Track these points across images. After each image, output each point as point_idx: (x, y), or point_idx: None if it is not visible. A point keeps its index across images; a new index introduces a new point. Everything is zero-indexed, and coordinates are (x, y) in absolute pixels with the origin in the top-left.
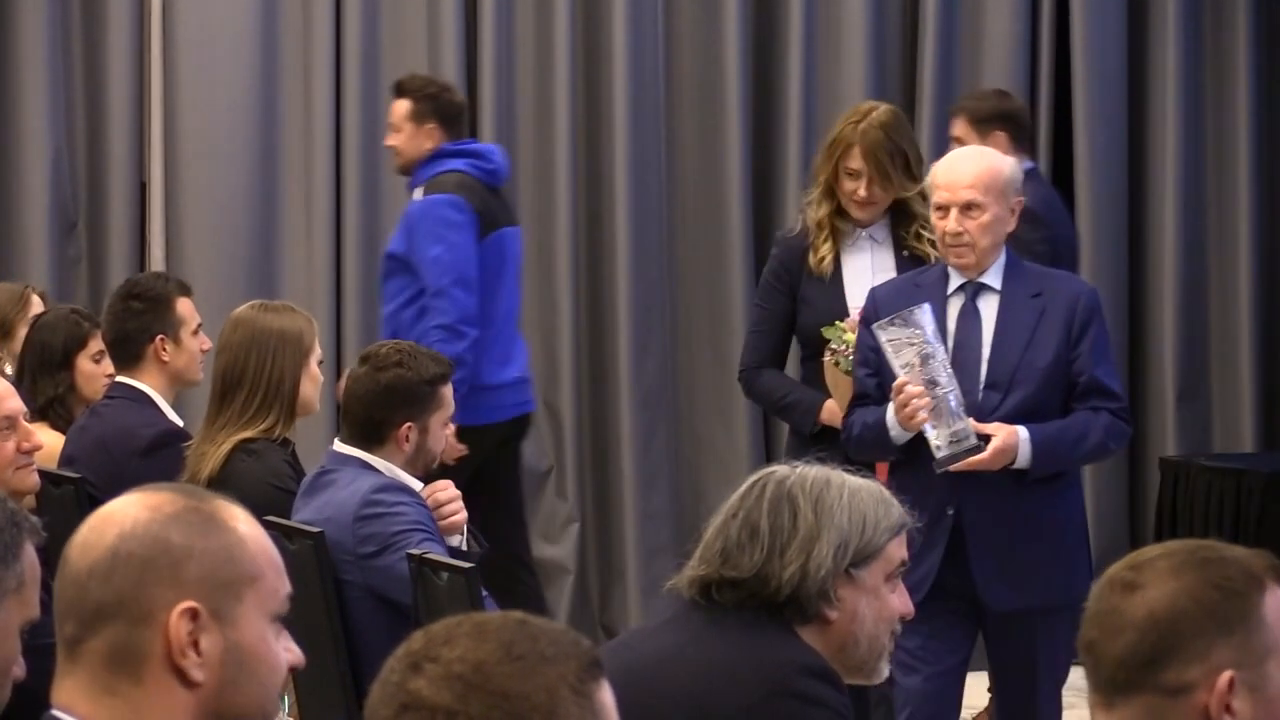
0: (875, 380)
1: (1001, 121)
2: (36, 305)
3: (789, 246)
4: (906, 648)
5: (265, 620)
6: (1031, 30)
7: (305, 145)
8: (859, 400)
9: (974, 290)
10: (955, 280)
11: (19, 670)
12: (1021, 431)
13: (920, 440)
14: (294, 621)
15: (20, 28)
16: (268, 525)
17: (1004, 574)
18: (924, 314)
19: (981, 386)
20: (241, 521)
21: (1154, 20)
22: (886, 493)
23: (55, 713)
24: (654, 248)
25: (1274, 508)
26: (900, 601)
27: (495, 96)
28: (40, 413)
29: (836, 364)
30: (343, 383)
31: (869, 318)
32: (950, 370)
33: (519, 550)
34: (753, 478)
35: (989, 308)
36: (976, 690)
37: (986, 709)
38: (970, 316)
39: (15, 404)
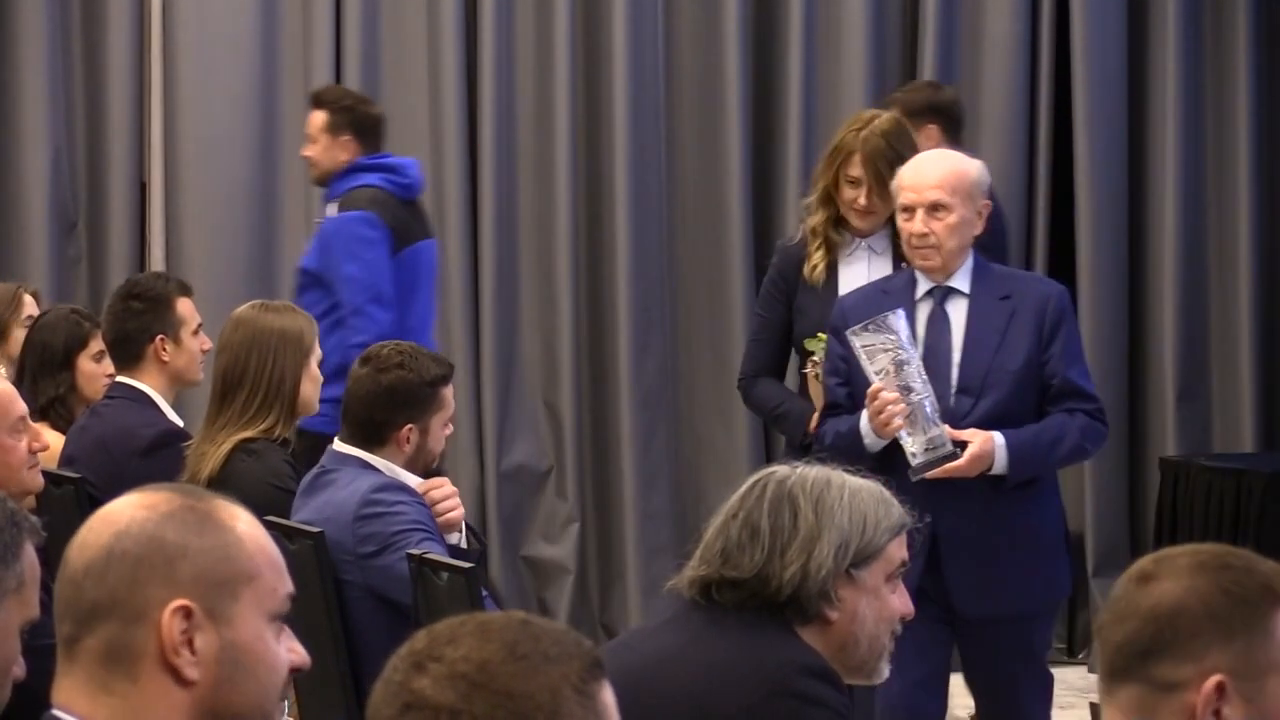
0: (846, 389)
1: (934, 114)
2: (30, 306)
3: (787, 255)
4: None
5: (263, 619)
6: (1031, 30)
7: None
8: (830, 409)
9: (942, 295)
10: (923, 285)
11: (19, 670)
12: (998, 437)
13: (894, 448)
14: (294, 621)
15: (20, 28)
16: (268, 525)
17: (979, 581)
18: (898, 320)
19: (953, 391)
20: (240, 521)
21: (1154, 20)
22: (887, 493)
23: (55, 712)
24: (654, 248)
25: (1274, 508)
26: (900, 602)
27: (495, 96)
28: (41, 413)
29: (817, 376)
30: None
31: (837, 327)
32: (925, 376)
33: None
34: (753, 478)
35: (958, 312)
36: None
37: None
38: (939, 321)
39: (23, 405)
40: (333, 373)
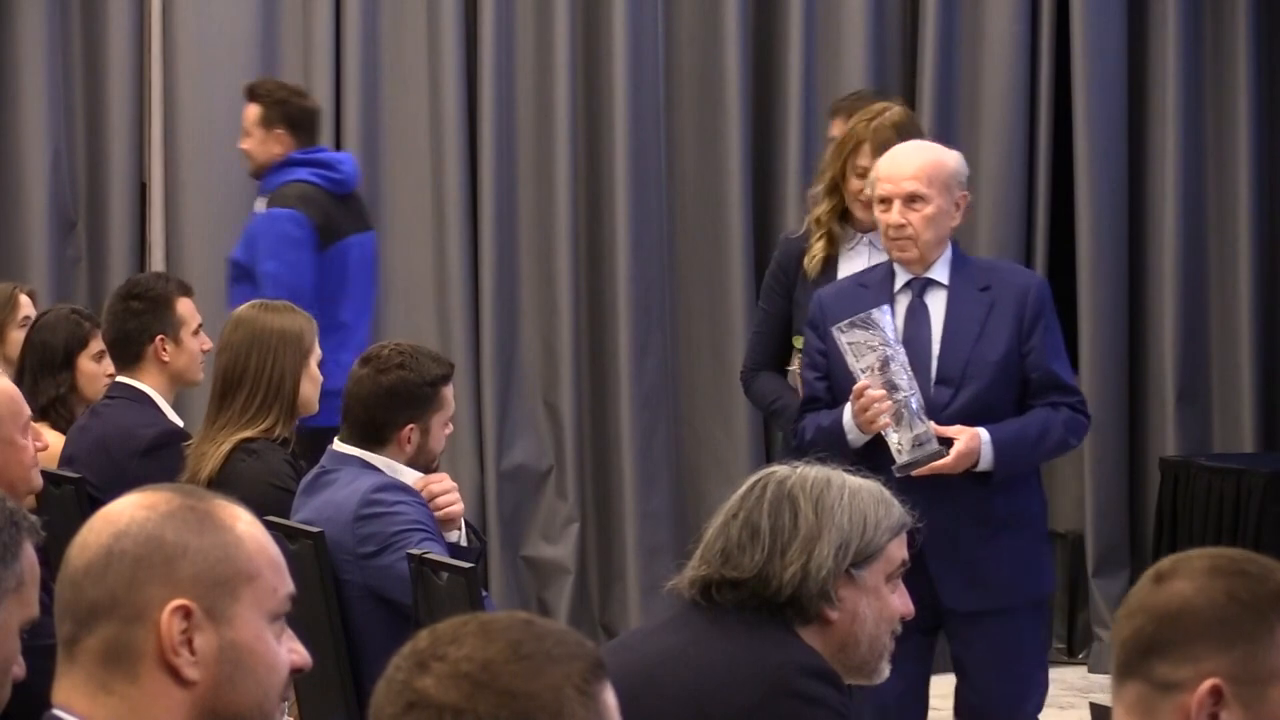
0: (825, 383)
1: None
2: (26, 306)
3: (788, 248)
4: None
5: (263, 619)
6: (1031, 30)
7: None
8: (809, 404)
9: (921, 286)
10: (902, 277)
11: (19, 670)
12: (983, 434)
13: (874, 442)
14: (294, 621)
15: (20, 28)
16: (268, 525)
17: (964, 575)
18: (884, 316)
19: (932, 382)
20: (240, 521)
21: (1154, 20)
22: (887, 493)
23: (55, 712)
24: (654, 248)
25: (1274, 508)
26: (901, 601)
27: (495, 96)
28: (41, 413)
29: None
30: None
31: (815, 321)
32: (910, 373)
33: None
34: (753, 478)
35: (937, 303)
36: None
37: None
38: (918, 313)
39: (27, 406)
40: None
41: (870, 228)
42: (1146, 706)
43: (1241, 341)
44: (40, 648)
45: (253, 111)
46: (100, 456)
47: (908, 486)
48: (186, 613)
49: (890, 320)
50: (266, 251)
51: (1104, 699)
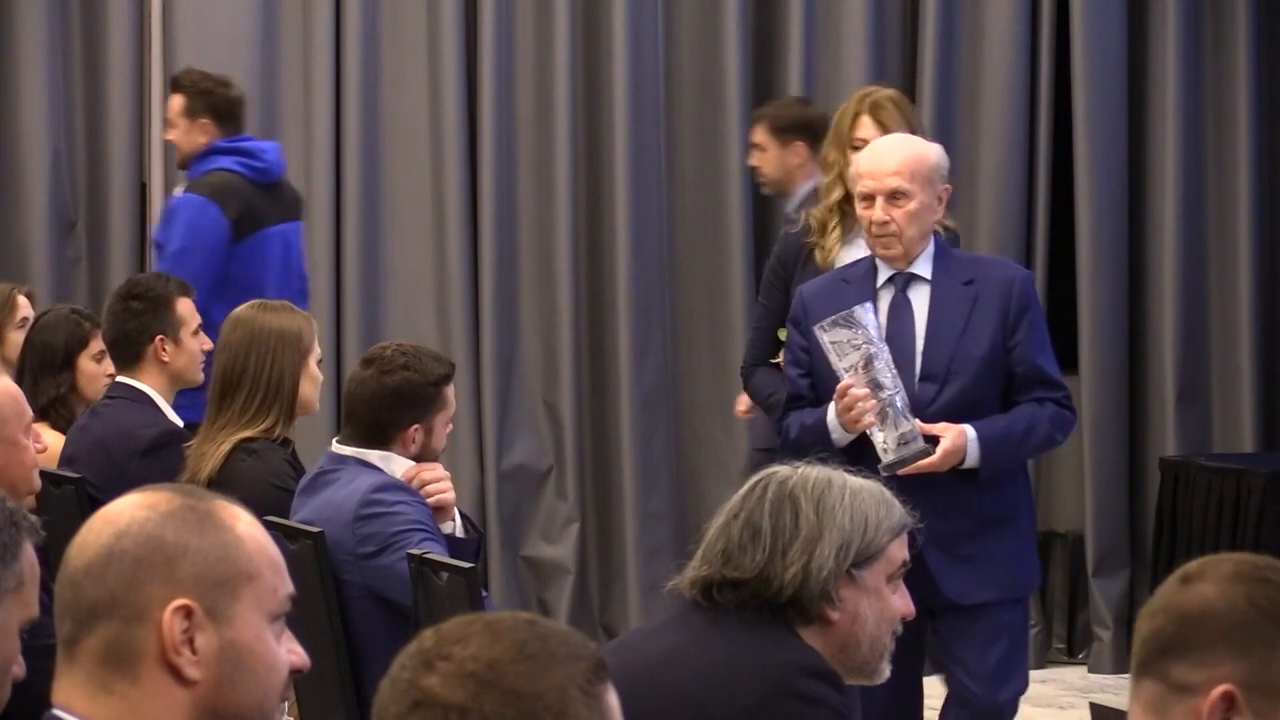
0: (808, 380)
1: (801, 131)
2: (24, 308)
3: (788, 243)
4: None
5: (263, 619)
6: (1031, 30)
7: (305, 145)
8: (792, 402)
9: (904, 281)
10: (884, 272)
11: (19, 670)
12: (969, 431)
13: (861, 442)
14: (294, 621)
15: (20, 28)
16: (268, 525)
17: (959, 567)
18: (867, 314)
19: (917, 378)
20: (240, 521)
21: (1154, 20)
22: (888, 493)
23: (55, 711)
24: (654, 248)
25: (1274, 508)
26: (901, 602)
27: (495, 97)
28: (41, 413)
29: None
30: None
31: (797, 317)
32: (895, 371)
33: None
34: (754, 478)
35: (920, 298)
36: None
37: None
38: (902, 308)
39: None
40: None
41: None
42: (1161, 706)
43: (1241, 341)
44: (40, 648)
45: (177, 102)
46: (100, 456)
47: (892, 484)
48: (188, 612)
49: (873, 318)
50: (174, 235)
51: (1104, 699)
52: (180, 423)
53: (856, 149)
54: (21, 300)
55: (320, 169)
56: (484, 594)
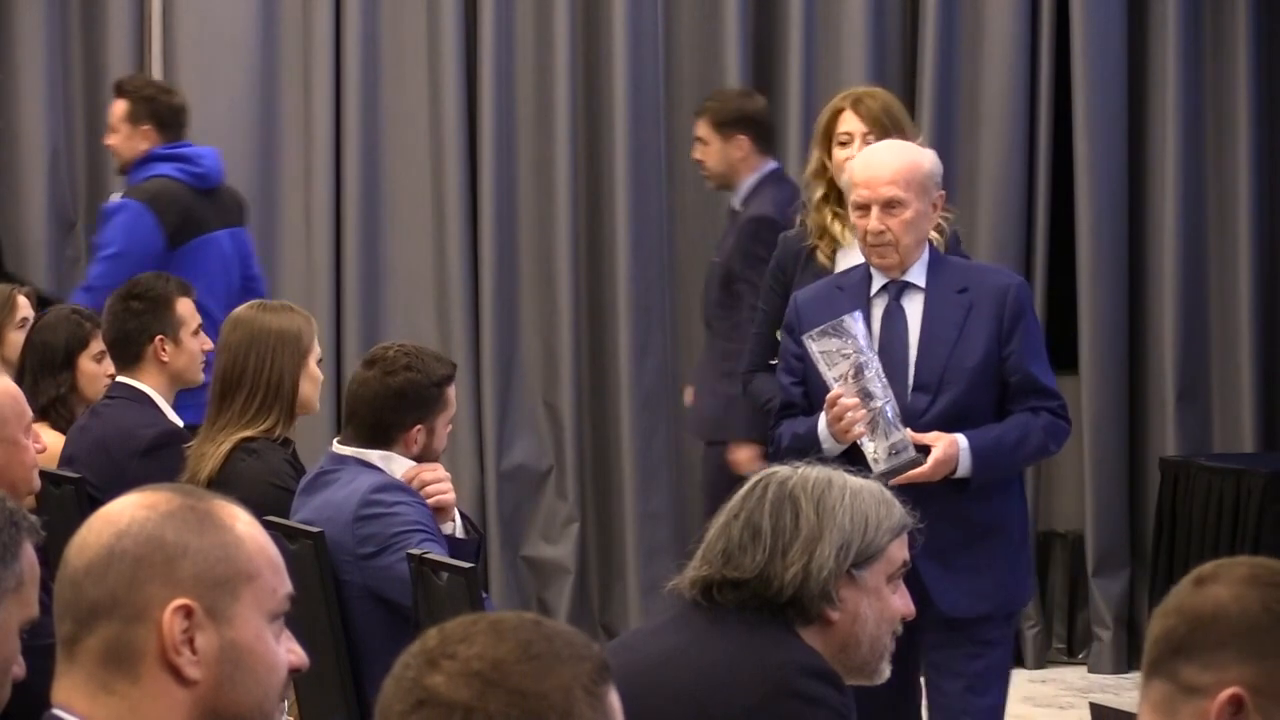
0: (801, 389)
1: (744, 124)
2: (24, 308)
3: (787, 247)
4: None
5: (263, 619)
6: (1031, 30)
7: (305, 145)
8: (785, 410)
9: (898, 289)
10: (878, 280)
11: (19, 669)
12: (961, 440)
13: (853, 451)
14: (294, 621)
15: (20, 28)
16: (268, 525)
17: (953, 579)
18: (856, 323)
19: (910, 388)
20: (240, 520)
21: (1154, 21)
22: (888, 493)
23: (55, 711)
24: (654, 248)
25: (1274, 508)
26: (901, 602)
27: (495, 97)
28: (41, 413)
29: None
30: None
31: (791, 324)
32: (885, 380)
33: None
34: (754, 478)
35: (914, 307)
36: None
37: None
38: (895, 317)
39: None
40: None
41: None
42: (1169, 707)
43: (1241, 341)
44: (40, 648)
45: (120, 108)
46: (100, 456)
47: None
48: (188, 612)
49: (863, 327)
50: (106, 238)
51: (1104, 699)
52: (180, 423)
53: (843, 144)
54: (21, 300)
55: (320, 169)
56: (484, 595)
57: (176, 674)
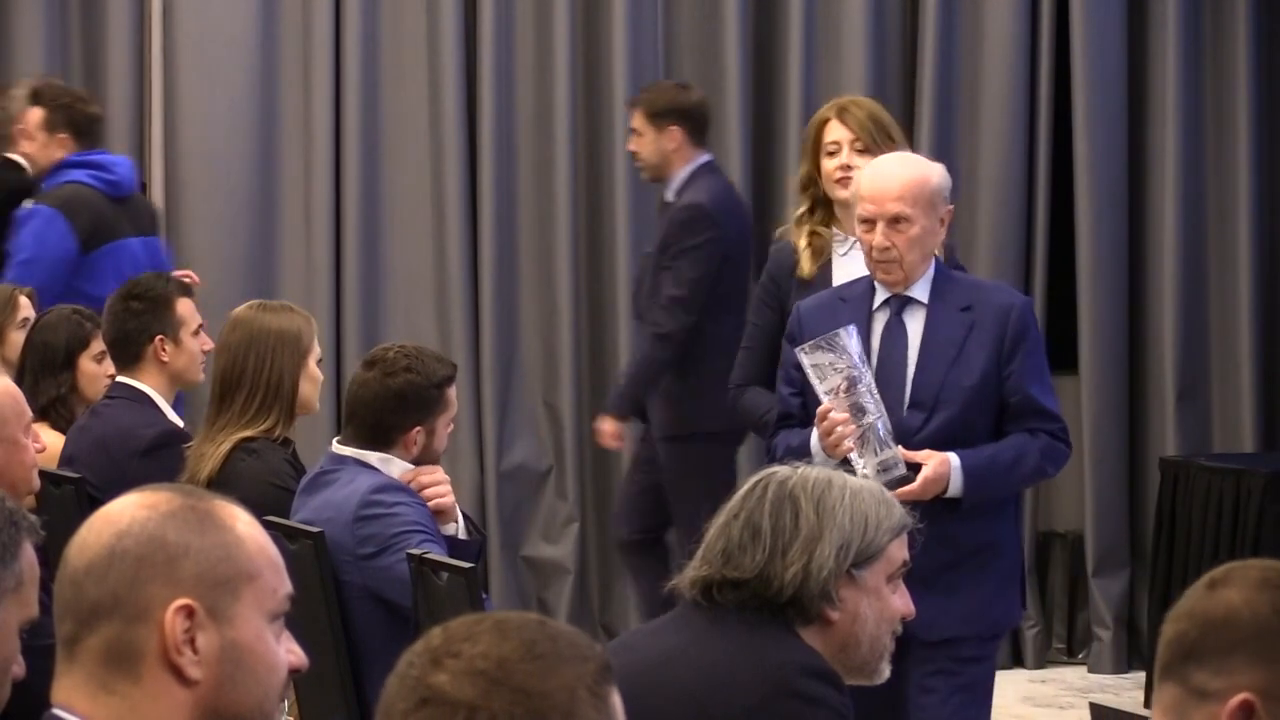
0: (800, 399)
1: (678, 116)
2: (25, 308)
3: (780, 260)
4: None
5: (263, 619)
6: (1031, 30)
7: (305, 145)
8: (783, 420)
9: (900, 304)
10: (881, 294)
11: (18, 669)
12: (953, 459)
13: (845, 466)
14: (294, 621)
15: (20, 28)
16: (268, 525)
17: (934, 600)
18: (850, 338)
19: (905, 406)
20: (240, 520)
21: (1154, 21)
22: (888, 494)
23: (55, 711)
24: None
25: (1274, 508)
26: (901, 602)
27: (495, 97)
28: (41, 413)
29: None
30: None
31: (793, 333)
32: (877, 396)
33: None
34: (754, 478)
35: (915, 323)
36: None
37: None
38: (896, 332)
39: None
40: None
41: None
42: (1180, 711)
43: (1241, 341)
44: (40, 648)
45: (36, 115)
46: (100, 456)
47: None
48: (189, 612)
49: (857, 342)
50: (19, 244)
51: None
52: (180, 423)
53: (831, 154)
54: (23, 300)
55: (320, 169)
56: (484, 595)
57: (178, 674)
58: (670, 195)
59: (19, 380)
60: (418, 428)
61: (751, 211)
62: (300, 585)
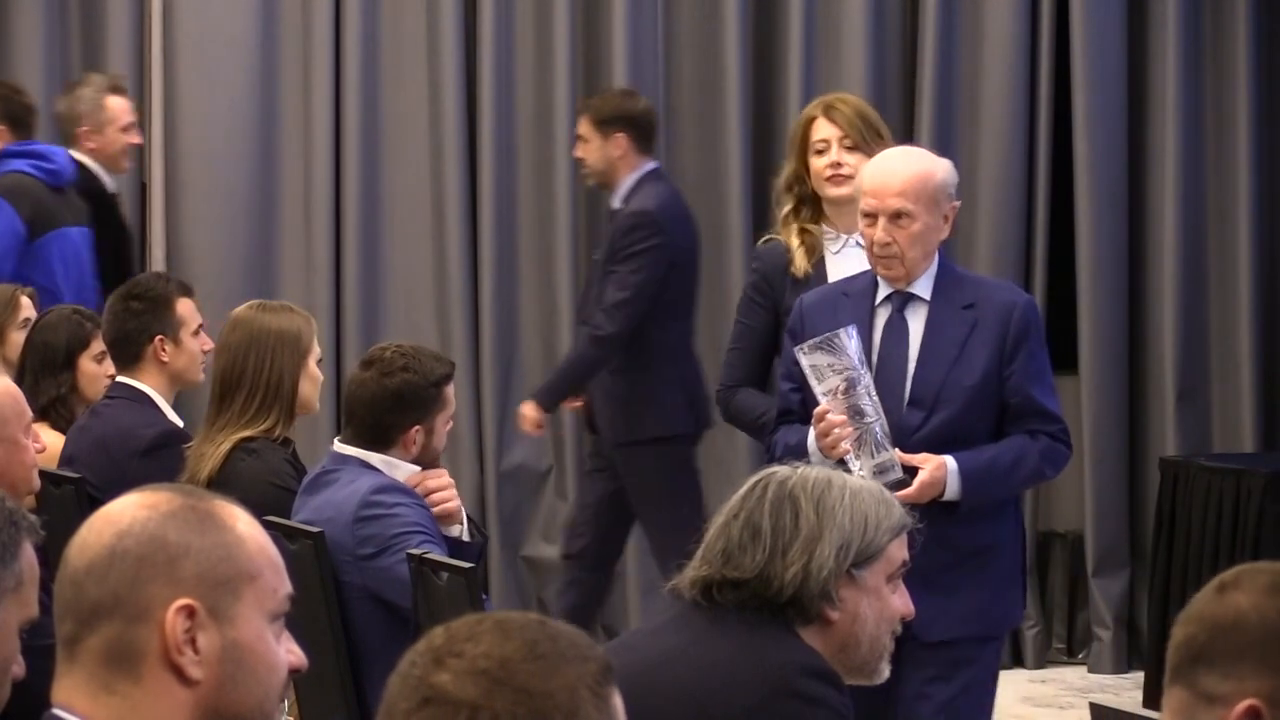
0: (799, 396)
1: (623, 123)
2: (27, 308)
3: (772, 260)
4: None
5: (264, 619)
6: (1031, 30)
7: (305, 145)
8: (782, 417)
9: (902, 301)
10: (883, 290)
11: (18, 669)
12: (950, 462)
13: (841, 466)
14: (294, 621)
15: (19, 27)
16: (268, 525)
17: (933, 602)
18: (850, 339)
19: (905, 404)
20: (240, 520)
21: (1154, 21)
22: (887, 493)
23: (55, 711)
24: None
25: (1274, 508)
26: (901, 602)
27: (495, 97)
28: (41, 413)
29: None
30: None
31: (794, 328)
32: (876, 398)
33: None
34: (754, 478)
35: (917, 320)
36: None
37: None
38: (897, 329)
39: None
40: None
41: (846, 199)
42: (1189, 715)
43: (1241, 341)
44: (40, 648)
45: None
46: (100, 456)
47: None
48: (190, 612)
49: (857, 343)
50: None
51: (1104, 699)
52: (180, 423)
53: (820, 152)
54: (25, 301)
55: (320, 169)
56: (484, 596)
57: (178, 674)
58: (617, 202)
59: (19, 380)
60: (416, 427)
61: (697, 219)
62: (300, 585)
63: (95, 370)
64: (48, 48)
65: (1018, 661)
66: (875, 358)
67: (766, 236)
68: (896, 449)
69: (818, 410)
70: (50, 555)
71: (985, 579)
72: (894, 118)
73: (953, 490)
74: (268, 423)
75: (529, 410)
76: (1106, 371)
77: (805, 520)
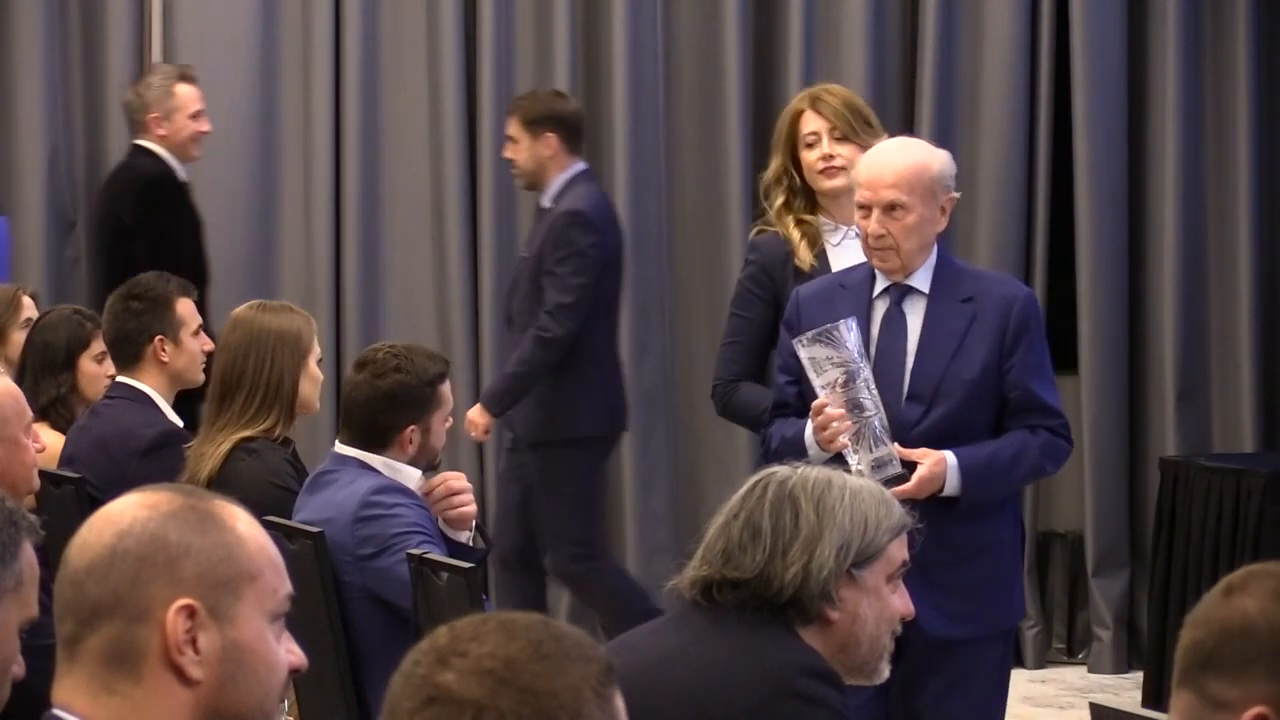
0: (796, 388)
1: (553, 124)
2: (28, 308)
3: (771, 252)
4: None
5: (264, 619)
6: (1031, 30)
7: (305, 145)
8: (777, 410)
9: (900, 293)
10: (881, 282)
11: (18, 669)
12: (949, 457)
13: (839, 459)
14: (294, 621)
15: (19, 27)
16: (268, 525)
17: (936, 600)
18: (849, 332)
19: (903, 398)
20: (240, 520)
21: (1154, 21)
22: (887, 493)
23: (56, 711)
24: (654, 248)
25: (1274, 508)
26: (901, 602)
27: (495, 97)
28: (42, 413)
29: None
30: None
31: (791, 320)
32: (875, 392)
33: None
34: (754, 478)
35: (915, 313)
36: None
37: None
38: (895, 322)
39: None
40: None
41: (840, 191)
42: (1197, 719)
43: (1241, 341)
44: (40, 648)
45: None
46: (100, 456)
47: None
48: (191, 612)
49: (856, 336)
50: None
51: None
52: (180, 423)
53: (810, 145)
54: (26, 301)
55: (320, 169)
56: (484, 597)
57: (179, 674)
58: (547, 202)
59: (19, 380)
60: (412, 427)
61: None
62: (300, 585)
63: (95, 370)
64: (48, 48)
65: (1018, 661)
66: (873, 351)
67: (759, 227)
68: (895, 444)
69: (816, 403)
70: (50, 555)
71: (987, 576)
72: (894, 117)
73: (952, 486)
74: (268, 423)
75: (478, 416)
76: (1106, 371)
77: (805, 520)
